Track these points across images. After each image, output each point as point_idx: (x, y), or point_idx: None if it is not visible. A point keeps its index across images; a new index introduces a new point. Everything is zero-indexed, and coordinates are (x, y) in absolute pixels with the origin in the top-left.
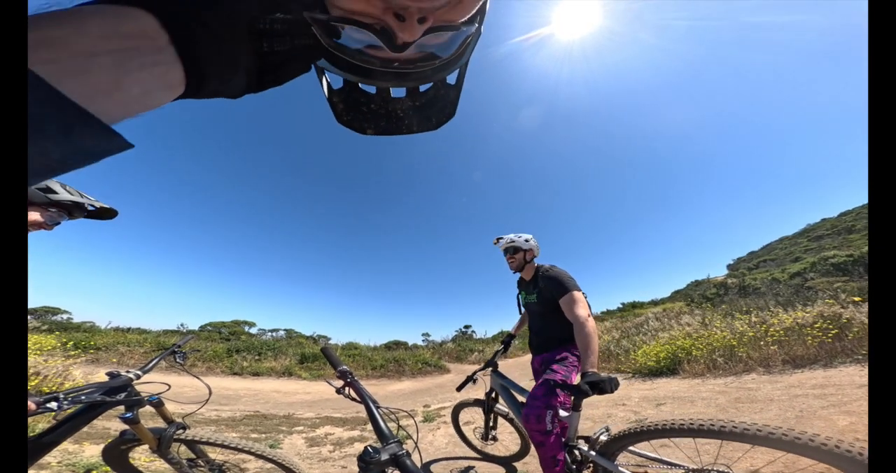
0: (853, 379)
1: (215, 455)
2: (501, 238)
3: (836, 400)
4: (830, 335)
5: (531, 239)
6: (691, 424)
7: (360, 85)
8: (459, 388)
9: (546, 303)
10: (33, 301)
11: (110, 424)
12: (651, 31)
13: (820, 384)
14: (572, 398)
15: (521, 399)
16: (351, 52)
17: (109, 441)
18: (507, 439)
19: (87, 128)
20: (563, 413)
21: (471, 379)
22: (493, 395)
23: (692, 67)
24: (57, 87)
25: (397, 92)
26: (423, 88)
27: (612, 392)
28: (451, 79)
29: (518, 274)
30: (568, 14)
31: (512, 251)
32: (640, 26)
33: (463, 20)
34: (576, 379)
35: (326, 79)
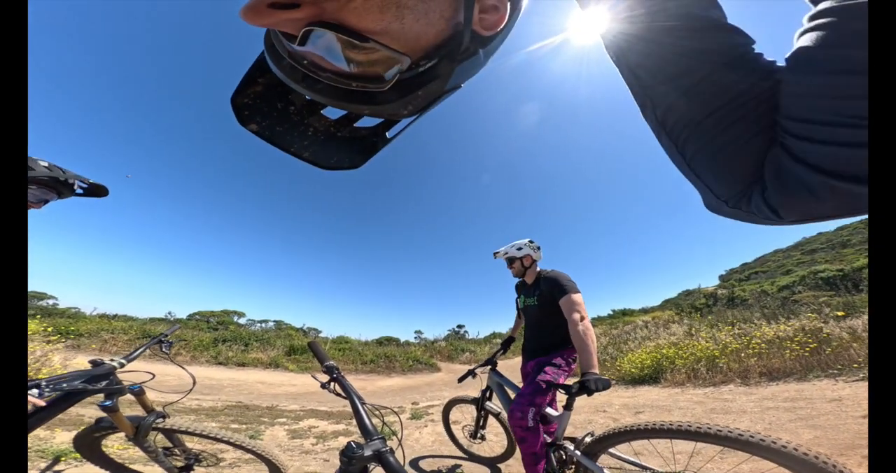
0: (824, 393)
1: (193, 444)
2: (498, 251)
3: (805, 414)
4: (808, 349)
5: (525, 246)
6: (671, 425)
7: (307, 93)
8: (461, 380)
9: (546, 306)
10: None
11: (85, 411)
12: None
13: (792, 397)
14: (566, 397)
15: None
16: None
17: (83, 428)
18: (494, 440)
19: None
20: (552, 412)
21: (472, 372)
22: (488, 393)
23: None
24: None
25: (334, 113)
26: (360, 123)
27: (598, 390)
28: (393, 131)
29: (519, 279)
30: (584, 19)
31: (509, 262)
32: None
33: (364, 33)
34: (564, 382)
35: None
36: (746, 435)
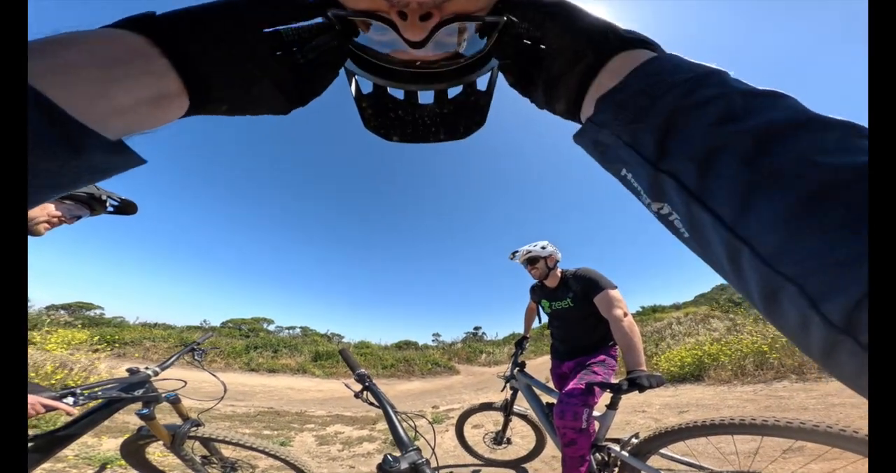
0: None
1: (228, 452)
2: (516, 252)
3: None
4: None
5: (548, 245)
6: (732, 420)
7: (388, 90)
8: (504, 389)
9: (582, 306)
10: (68, 296)
11: (129, 418)
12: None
13: None
14: (611, 396)
15: (548, 398)
16: (373, 52)
17: (128, 436)
18: (521, 443)
19: (92, 144)
20: (594, 412)
21: (510, 378)
22: (513, 396)
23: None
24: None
25: (425, 98)
26: (451, 95)
27: (651, 387)
28: (482, 84)
29: (533, 282)
30: None
31: (532, 262)
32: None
33: (481, 12)
34: (613, 381)
35: (356, 83)
36: (823, 427)
